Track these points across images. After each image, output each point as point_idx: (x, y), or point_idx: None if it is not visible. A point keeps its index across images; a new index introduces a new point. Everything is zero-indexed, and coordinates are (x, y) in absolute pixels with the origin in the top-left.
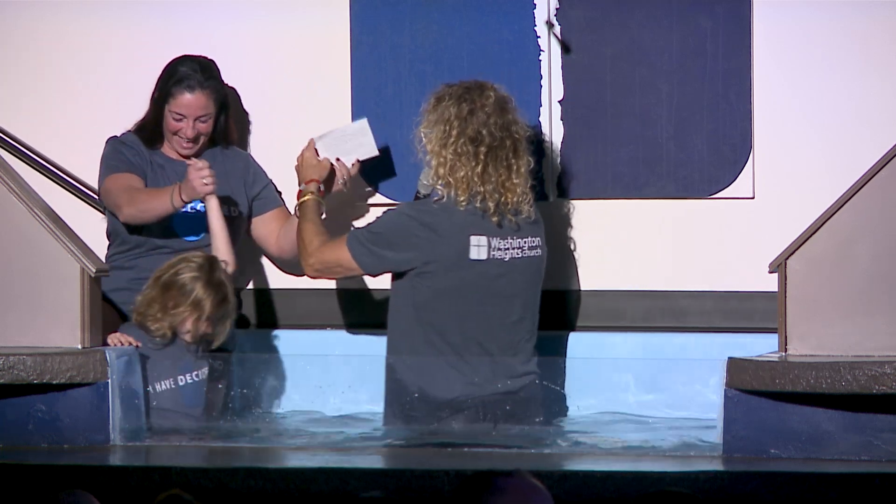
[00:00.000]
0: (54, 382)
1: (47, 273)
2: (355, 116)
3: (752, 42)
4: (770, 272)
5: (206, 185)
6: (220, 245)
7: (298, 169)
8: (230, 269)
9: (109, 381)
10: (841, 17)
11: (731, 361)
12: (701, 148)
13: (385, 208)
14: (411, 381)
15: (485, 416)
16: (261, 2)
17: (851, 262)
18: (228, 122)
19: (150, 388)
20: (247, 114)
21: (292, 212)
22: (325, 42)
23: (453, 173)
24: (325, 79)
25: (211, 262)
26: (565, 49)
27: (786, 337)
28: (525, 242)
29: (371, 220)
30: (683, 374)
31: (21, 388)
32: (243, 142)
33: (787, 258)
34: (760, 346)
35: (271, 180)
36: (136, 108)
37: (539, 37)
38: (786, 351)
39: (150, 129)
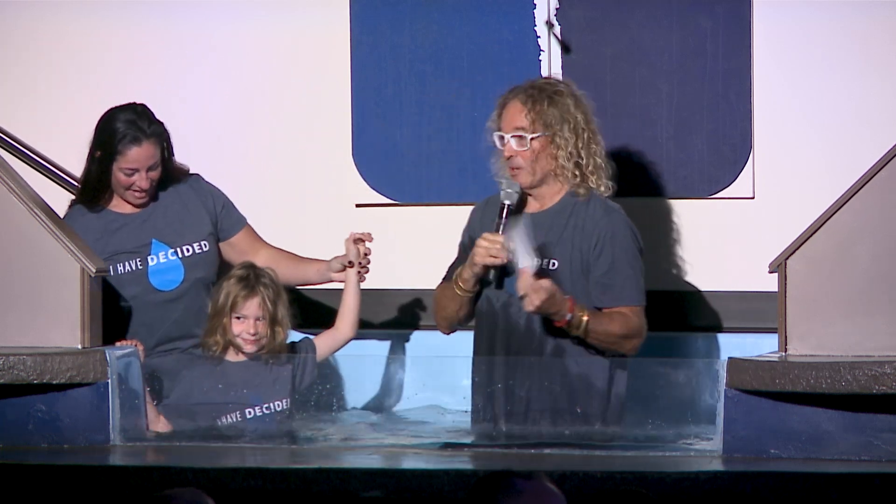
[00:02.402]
0: (54, 382)
1: (47, 273)
2: (355, 116)
3: (752, 42)
4: (770, 272)
5: None
6: (347, 315)
7: (549, 307)
8: (343, 335)
9: (109, 381)
10: (841, 17)
11: (731, 361)
12: (701, 148)
13: (384, 208)
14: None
15: None
16: (261, 2)
17: (851, 262)
18: (172, 159)
19: (216, 423)
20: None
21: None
22: (325, 42)
23: (591, 163)
24: (325, 79)
25: (249, 266)
26: (565, 49)
27: (786, 337)
28: None
29: (618, 265)
30: (683, 374)
31: (21, 388)
32: (244, 142)
33: (787, 258)
34: (760, 346)
35: (227, 198)
36: None
37: (539, 37)
38: (786, 351)
39: (94, 188)
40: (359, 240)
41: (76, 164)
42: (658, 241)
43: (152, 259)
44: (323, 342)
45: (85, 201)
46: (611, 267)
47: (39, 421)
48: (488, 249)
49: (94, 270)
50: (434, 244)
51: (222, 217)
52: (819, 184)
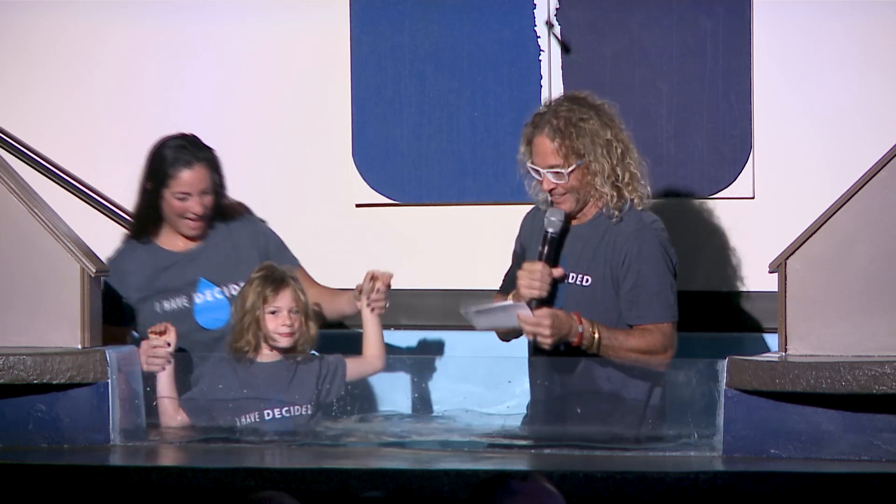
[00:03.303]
0: (54, 382)
1: (47, 273)
2: (355, 116)
3: (752, 42)
4: (770, 272)
5: (155, 362)
6: (371, 346)
7: (558, 332)
8: (372, 366)
9: (109, 381)
10: (841, 17)
11: (731, 361)
12: (701, 148)
13: (384, 208)
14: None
15: None
16: (261, 2)
17: (851, 262)
18: (224, 193)
19: (235, 422)
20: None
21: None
22: (325, 42)
23: (629, 184)
24: (325, 79)
25: (267, 266)
26: (565, 49)
27: (786, 337)
28: None
29: (644, 281)
30: (683, 374)
31: (21, 388)
32: (244, 142)
33: (787, 258)
34: (760, 346)
35: (280, 240)
36: (135, 108)
37: (539, 37)
38: (786, 351)
39: (145, 222)
40: (374, 278)
41: (76, 164)
42: None
43: (199, 297)
44: (353, 366)
45: (136, 235)
46: (636, 283)
47: (39, 421)
48: (530, 283)
49: (94, 270)
50: (434, 244)
51: (273, 258)
52: (819, 184)
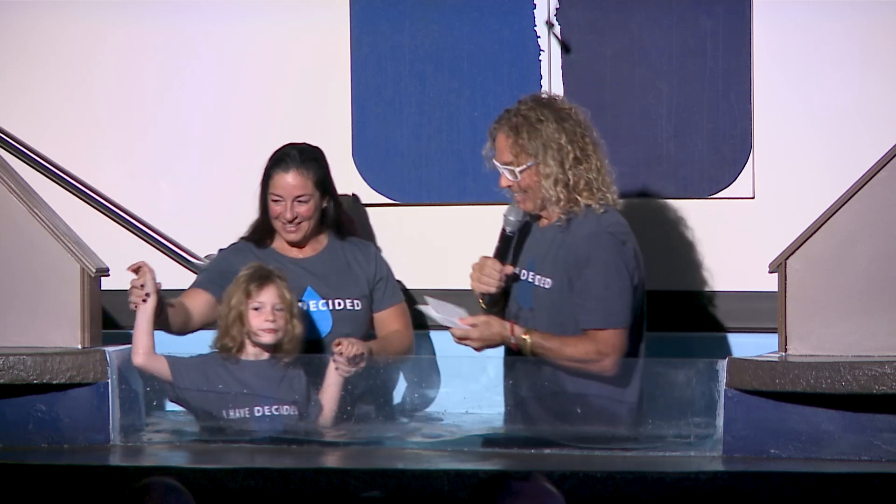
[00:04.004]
0: (54, 382)
1: (47, 273)
2: (355, 116)
3: (752, 42)
4: (770, 272)
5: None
6: (327, 400)
7: (489, 342)
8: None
9: (109, 381)
10: (841, 17)
11: (731, 361)
12: (701, 148)
13: (384, 208)
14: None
15: None
16: (261, 2)
17: (851, 262)
18: (339, 210)
19: (223, 414)
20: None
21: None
22: (325, 42)
23: (576, 187)
24: (325, 79)
25: (256, 265)
26: (565, 49)
27: (786, 337)
28: None
29: (591, 286)
30: (683, 374)
31: (21, 388)
32: (244, 142)
33: (787, 258)
34: (760, 346)
35: (391, 273)
36: (135, 108)
37: (539, 37)
38: (786, 351)
39: (259, 225)
40: (338, 344)
41: (76, 164)
42: (658, 241)
43: (303, 305)
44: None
45: (252, 237)
46: (584, 287)
47: (39, 421)
48: (480, 278)
49: (94, 270)
50: (434, 244)
51: (377, 289)
52: (819, 184)
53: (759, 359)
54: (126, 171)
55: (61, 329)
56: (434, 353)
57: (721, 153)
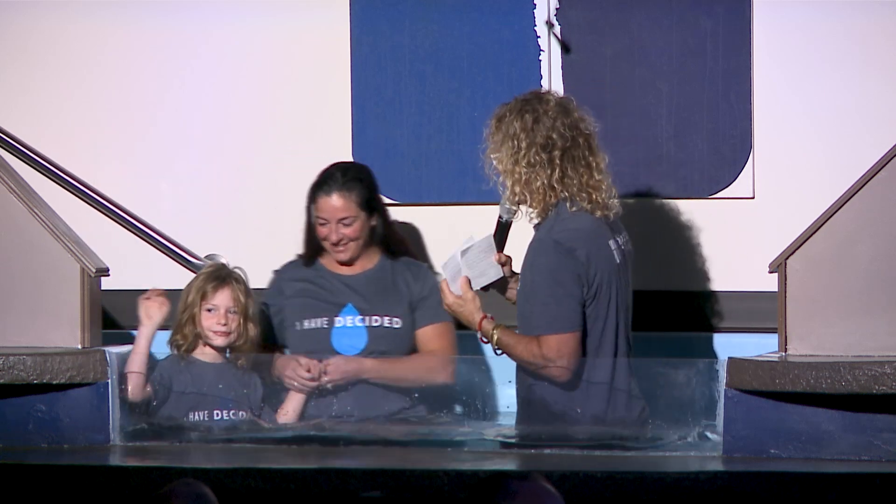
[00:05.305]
0: (54, 382)
1: (47, 273)
2: (355, 116)
3: (752, 42)
4: (770, 272)
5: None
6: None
7: (458, 315)
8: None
9: (109, 381)
10: (841, 17)
11: (731, 361)
12: (701, 148)
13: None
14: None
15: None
16: (261, 2)
17: (851, 262)
18: (388, 229)
19: (186, 417)
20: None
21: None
22: (325, 42)
23: (528, 186)
24: (325, 79)
25: (219, 265)
26: (565, 49)
27: (786, 337)
28: (623, 238)
29: (529, 293)
30: (683, 374)
31: (21, 388)
32: (244, 142)
33: (787, 258)
34: (760, 346)
35: (438, 294)
36: (135, 108)
37: (539, 37)
38: (786, 351)
39: (308, 242)
40: (298, 365)
41: (76, 164)
42: (658, 241)
43: (339, 321)
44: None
45: (304, 254)
46: (529, 292)
47: (39, 421)
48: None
49: (94, 270)
50: (434, 244)
51: (419, 307)
52: (819, 184)
53: (759, 359)
54: (126, 171)
55: (61, 329)
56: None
57: (721, 153)
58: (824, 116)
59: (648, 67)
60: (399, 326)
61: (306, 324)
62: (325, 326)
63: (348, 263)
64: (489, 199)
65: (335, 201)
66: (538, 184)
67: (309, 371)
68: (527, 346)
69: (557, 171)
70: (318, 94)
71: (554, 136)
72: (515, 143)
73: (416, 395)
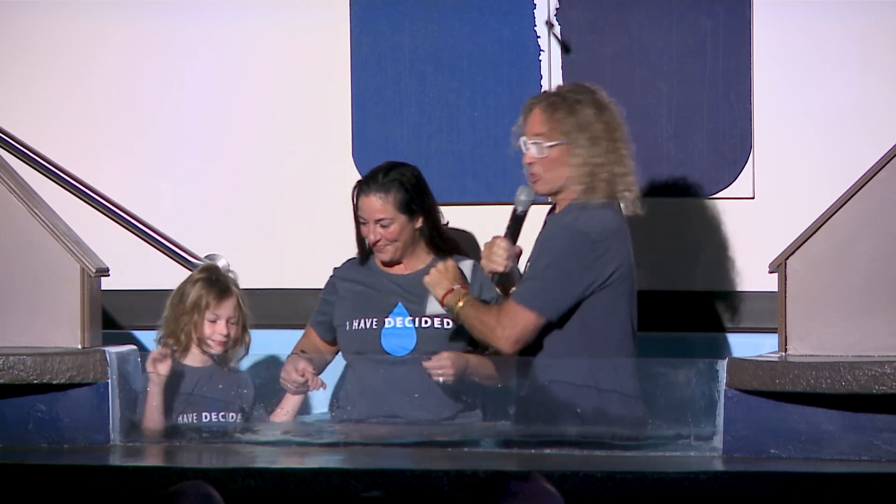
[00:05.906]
0: (54, 382)
1: (47, 273)
2: (355, 116)
3: (752, 42)
4: (770, 272)
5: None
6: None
7: (430, 282)
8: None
9: (109, 381)
10: (841, 17)
11: (731, 361)
12: (701, 148)
13: None
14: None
15: None
16: (261, 2)
17: (851, 262)
18: (435, 230)
19: (178, 419)
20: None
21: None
22: (325, 42)
23: (595, 176)
24: (325, 79)
25: (212, 268)
26: (565, 49)
27: (786, 337)
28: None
29: (536, 265)
30: (683, 374)
31: (21, 388)
32: (244, 143)
33: (787, 258)
34: (760, 346)
35: (488, 292)
36: (135, 108)
37: (539, 37)
38: (786, 351)
39: (360, 242)
40: (295, 370)
41: (76, 164)
42: (658, 241)
43: (389, 322)
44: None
45: (358, 255)
46: (530, 265)
47: (39, 421)
48: (489, 257)
49: (94, 270)
50: None
51: None
52: (819, 184)
53: (759, 359)
54: (126, 171)
55: (61, 329)
56: None
57: (721, 153)
58: (824, 116)
59: (648, 67)
60: (450, 327)
61: (356, 324)
62: (375, 327)
63: (393, 264)
64: (489, 198)
65: (373, 202)
66: (604, 174)
67: (303, 376)
68: (489, 310)
69: (622, 165)
70: (318, 94)
71: (618, 133)
72: (590, 131)
73: (468, 399)
